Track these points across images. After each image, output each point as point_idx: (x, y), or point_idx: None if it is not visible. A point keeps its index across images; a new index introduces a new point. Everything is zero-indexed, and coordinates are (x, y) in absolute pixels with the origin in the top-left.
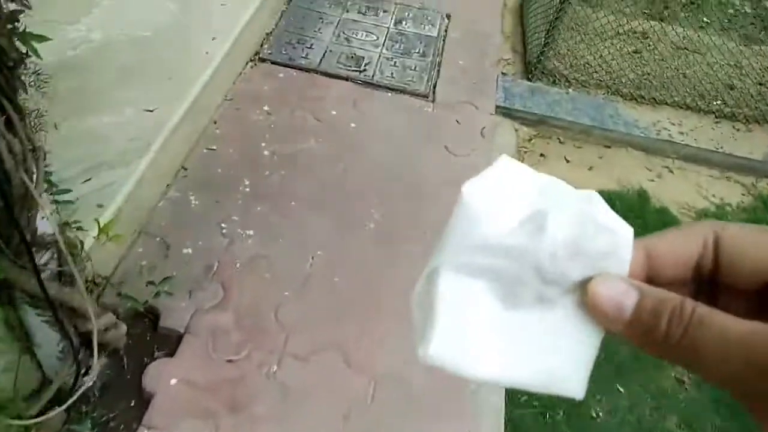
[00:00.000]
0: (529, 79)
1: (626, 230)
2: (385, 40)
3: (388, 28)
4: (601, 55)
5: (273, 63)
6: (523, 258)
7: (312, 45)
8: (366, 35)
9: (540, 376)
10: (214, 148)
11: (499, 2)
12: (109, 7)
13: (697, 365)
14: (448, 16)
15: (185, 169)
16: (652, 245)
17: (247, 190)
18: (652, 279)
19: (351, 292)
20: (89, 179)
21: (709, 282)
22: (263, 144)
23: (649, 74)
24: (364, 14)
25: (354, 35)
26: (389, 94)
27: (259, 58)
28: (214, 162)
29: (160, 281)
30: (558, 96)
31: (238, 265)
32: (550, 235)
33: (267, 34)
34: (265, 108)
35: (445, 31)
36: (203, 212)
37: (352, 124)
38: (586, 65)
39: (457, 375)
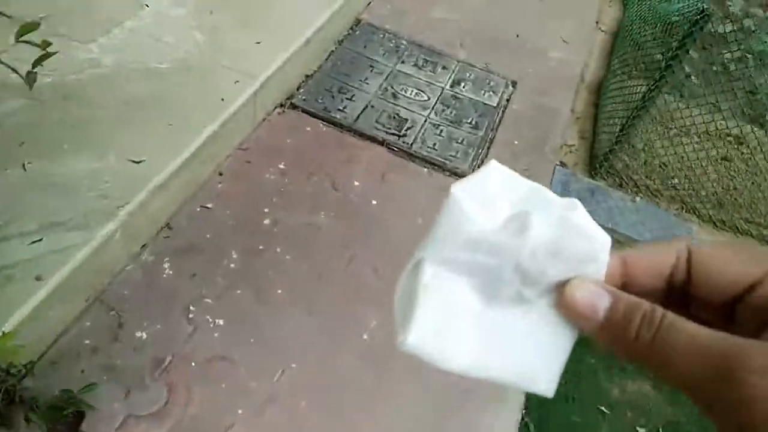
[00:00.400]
0: (591, 176)
1: (604, 238)
2: (436, 102)
3: (443, 88)
4: (682, 158)
5: (304, 111)
6: (504, 255)
7: (353, 96)
8: (416, 93)
9: (512, 372)
10: (210, 206)
11: (576, 75)
12: (131, 30)
13: (664, 369)
14: (514, 84)
15: (170, 228)
16: (629, 255)
17: (233, 266)
18: (626, 287)
19: (316, 425)
20: (39, 240)
21: (680, 293)
22: (266, 210)
23: (736, 190)
24: (419, 68)
25: (402, 91)
26: (425, 169)
27: (290, 103)
28: (205, 224)
29: (96, 371)
30: (622, 203)
31: (193, 364)
32: (532, 235)
33: (307, 76)
34: (281, 165)
35: (507, 100)
36: (174, 287)
37: (374, 201)
38: (662, 167)
39: (432, 364)
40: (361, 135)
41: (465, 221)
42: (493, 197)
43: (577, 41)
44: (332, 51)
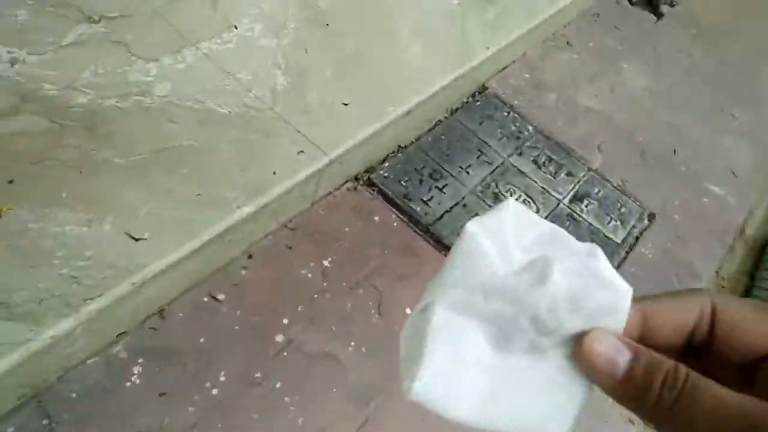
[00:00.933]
0: None
1: (626, 289)
2: (546, 217)
3: (559, 201)
4: None
5: (380, 193)
6: (521, 305)
7: (445, 186)
8: (523, 200)
9: (521, 425)
10: (220, 298)
11: (736, 225)
12: (206, 54)
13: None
14: (651, 217)
15: (161, 318)
16: (649, 307)
17: (214, 392)
18: (644, 340)
19: None
20: None
21: (698, 349)
22: (285, 320)
23: None
24: (539, 167)
25: (508, 193)
26: None
27: (368, 178)
28: (204, 322)
29: None
30: None
31: None
32: (552, 286)
33: (399, 147)
34: (325, 263)
35: (636, 238)
36: (133, 404)
37: None
38: None
39: (438, 413)
40: (438, 241)
41: (480, 262)
42: (509, 237)
43: (749, 178)
44: (440, 121)
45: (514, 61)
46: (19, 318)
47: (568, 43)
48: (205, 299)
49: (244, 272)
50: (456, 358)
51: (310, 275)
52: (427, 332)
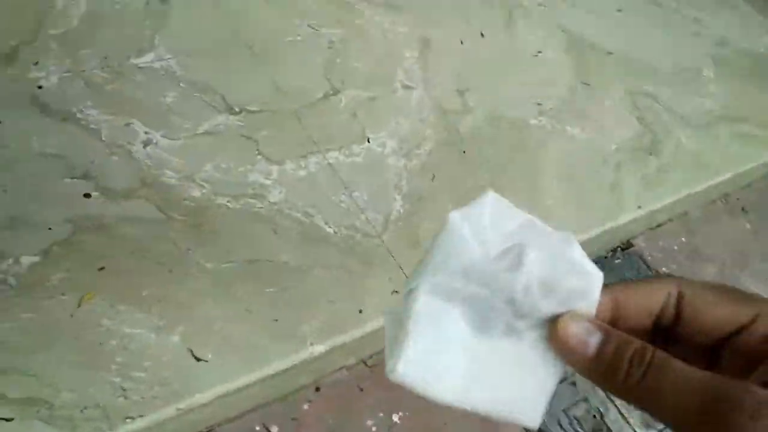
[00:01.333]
0: None
1: (597, 274)
2: None
3: None
4: None
5: None
6: (498, 287)
7: None
8: None
9: (500, 403)
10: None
11: None
12: (331, 164)
13: (654, 407)
14: None
15: None
16: (620, 293)
17: None
18: (615, 325)
19: None
20: (11, 419)
21: (665, 332)
22: None
23: None
24: None
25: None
26: None
27: None
28: None
29: None
30: None
31: None
32: (527, 270)
33: None
34: (395, 417)
35: None
36: None
37: None
38: None
39: (421, 394)
40: None
41: (460, 248)
42: (489, 226)
43: None
44: None
45: (670, 219)
46: (57, 424)
47: (743, 209)
48: (257, 428)
49: (306, 406)
50: (438, 340)
51: (374, 428)
52: (410, 315)
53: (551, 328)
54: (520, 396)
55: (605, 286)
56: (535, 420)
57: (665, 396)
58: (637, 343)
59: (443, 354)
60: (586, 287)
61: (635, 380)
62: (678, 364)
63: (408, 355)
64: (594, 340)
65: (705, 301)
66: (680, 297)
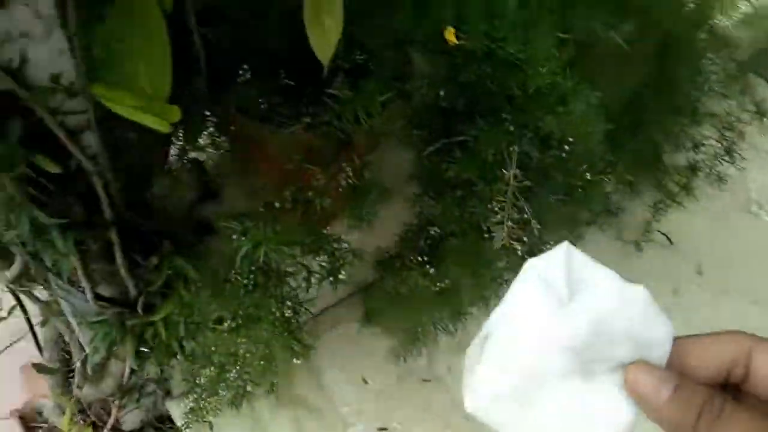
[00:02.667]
0: None
1: (669, 326)
2: None
3: None
4: None
5: None
6: (583, 335)
7: None
8: None
9: None
10: None
11: None
12: None
13: None
14: None
15: None
16: (689, 344)
17: None
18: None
19: None
20: None
21: (735, 389)
22: None
23: None
24: None
25: None
26: None
27: None
28: None
29: None
30: None
31: None
32: (610, 325)
33: None
34: None
35: None
36: None
37: None
38: None
39: (493, 428)
40: None
41: (536, 301)
42: (563, 275)
43: None
44: None
45: None
46: None
47: None
48: None
49: None
50: (516, 376)
51: None
52: (483, 356)
53: (625, 372)
54: None
55: (676, 338)
56: None
57: None
58: (707, 391)
59: (521, 390)
60: (658, 338)
61: (706, 427)
62: (747, 415)
63: (482, 390)
64: (666, 386)
65: None
66: (750, 353)
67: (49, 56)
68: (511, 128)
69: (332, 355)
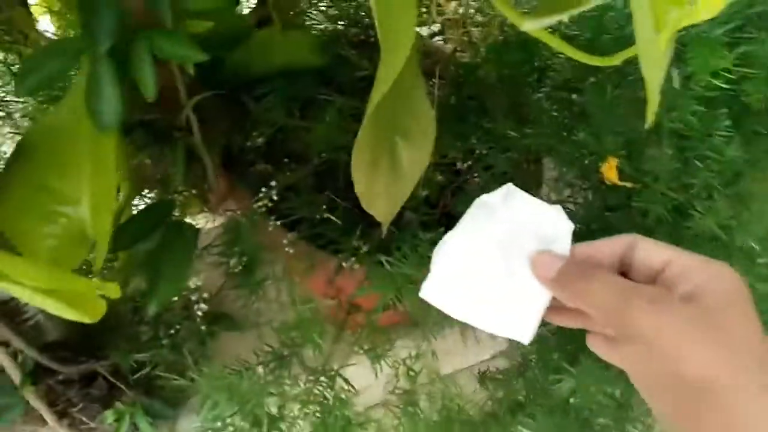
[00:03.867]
0: None
1: (569, 224)
2: None
3: None
4: None
5: None
6: (506, 238)
7: None
8: None
9: (500, 321)
10: None
11: None
12: None
13: (588, 298)
14: None
15: None
16: (587, 246)
17: None
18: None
19: None
20: None
21: (625, 274)
22: None
23: None
24: None
25: None
26: None
27: None
28: None
29: None
30: None
31: None
32: (527, 230)
33: None
34: None
35: None
36: None
37: None
38: None
39: (443, 311)
40: None
41: (485, 213)
42: (501, 203)
43: None
44: None
45: None
46: None
47: None
48: None
49: None
50: (457, 272)
51: None
52: (441, 252)
53: (532, 259)
54: (515, 316)
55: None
56: (526, 337)
57: (596, 291)
58: (582, 263)
59: (460, 282)
60: (562, 234)
61: (576, 283)
62: (606, 274)
63: (432, 281)
64: (558, 264)
65: (648, 247)
66: (634, 247)
67: None
68: None
69: None
